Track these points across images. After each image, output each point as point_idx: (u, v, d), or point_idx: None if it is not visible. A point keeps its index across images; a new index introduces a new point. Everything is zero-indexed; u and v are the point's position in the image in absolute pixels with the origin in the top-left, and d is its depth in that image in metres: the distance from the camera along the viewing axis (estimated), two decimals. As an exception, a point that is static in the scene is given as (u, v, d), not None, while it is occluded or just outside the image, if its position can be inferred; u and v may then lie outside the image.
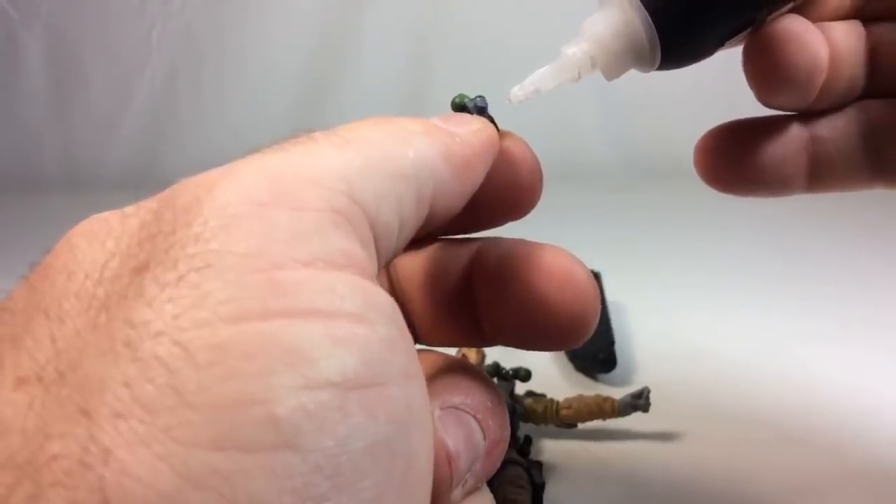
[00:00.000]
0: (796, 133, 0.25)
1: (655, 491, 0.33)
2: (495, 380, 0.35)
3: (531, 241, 0.20)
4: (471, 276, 0.20)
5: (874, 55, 0.24)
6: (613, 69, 0.21)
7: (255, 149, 0.15)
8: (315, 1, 1.02)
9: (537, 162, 0.20)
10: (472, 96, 0.20)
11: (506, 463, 0.30)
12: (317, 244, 0.13)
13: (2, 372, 0.12)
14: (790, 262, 0.62)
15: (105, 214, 0.15)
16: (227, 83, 1.05)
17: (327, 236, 0.13)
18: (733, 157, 0.25)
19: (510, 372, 0.36)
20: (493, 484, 0.29)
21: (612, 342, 0.44)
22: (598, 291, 0.19)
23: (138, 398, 0.11)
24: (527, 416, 0.35)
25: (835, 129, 0.25)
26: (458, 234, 0.22)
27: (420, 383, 0.14)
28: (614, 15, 0.20)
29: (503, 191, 0.20)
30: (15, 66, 1.04)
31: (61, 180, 1.01)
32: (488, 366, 0.36)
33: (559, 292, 0.19)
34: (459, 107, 0.20)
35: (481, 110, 0.20)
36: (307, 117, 1.01)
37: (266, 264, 0.12)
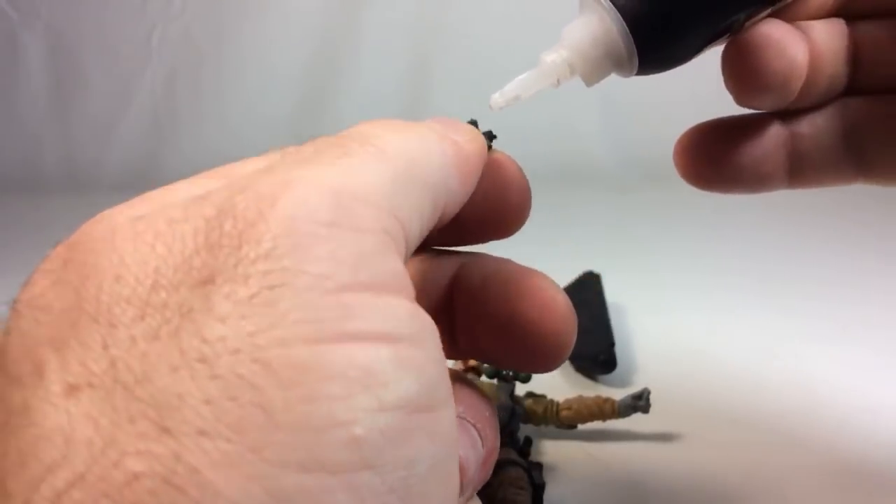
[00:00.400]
0: (775, 130, 0.25)
1: (656, 492, 0.33)
2: (495, 381, 0.35)
3: (516, 263, 0.20)
4: (452, 290, 0.21)
5: (856, 53, 0.24)
6: (592, 75, 0.21)
7: (292, 153, 0.15)
8: (314, 3, 1.02)
9: (527, 183, 0.20)
10: (471, 120, 0.20)
11: (506, 464, 0.30)
12: (377, 267, 0.13)
13: (45, 376, 0.12)
14: (790, 262, 0.62)
15: (137, 211, 0.14)
16: (226, 85, 1.05)
17: (384, 259, 0.14)
18: (712, 156, 0.25)
19: (510, 373, 0.36)
20: (493, 485, 0.29)
21: (612, 343, 0.44)
22: (576, 321, 0.19)
23: (222, 416, 0.11)
24: (527, 417, 0.35)
25: (815, 125, 0.25)
26: (439, 245, 0.22)
27: (453, 403, 0.15)
28: (593, 22, 0.20)
29: (492, 210, 0.20)
30: (15, 68, 1.04)
31: (61, 182, 1.01)
32: (489, 367, 0.36)
33: (540, 318, 0.19)
34: None
35: (490, 137, 0.20)
36: (306, 119, 1.02)
37: (336, 286, 0.13)
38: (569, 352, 0.19)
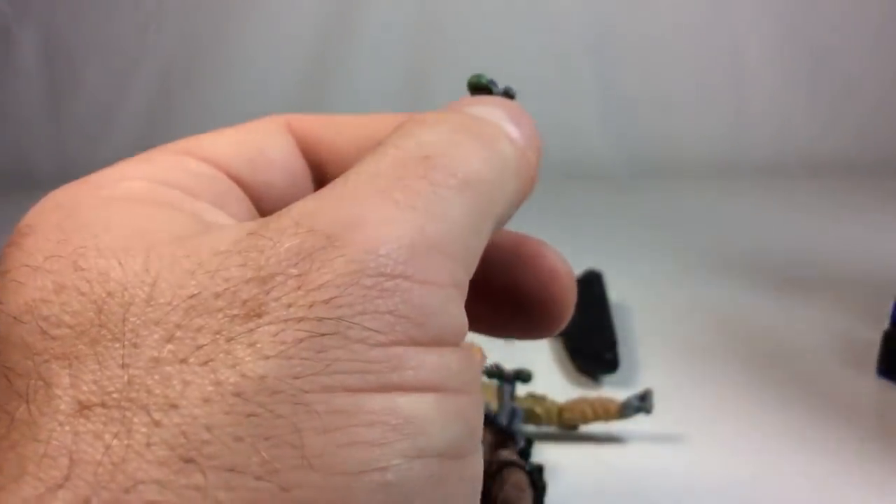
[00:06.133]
0: None
1: (657, 494, 0.33)
2: (495, 381, 0.34)
3: (515, 232, 0.20)
4: None
5: None
6: None
7: (370, 169, 0.14)
8: (312, 1, 1.02)
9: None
10: (488, 78, 0.18)
11: (507, 465, 0.29)
12: (439, 323, 0.13)
13: (54, 392, 0.11)
14: (791, 261, 0.62)
15: (162, 224, 0.14)
16: (222, 82, 1.05)
17: (447, 312, 0.13)
18: None
19: (511, 373, 0.35)
20: (494, 487, 0.28)
21: (614, 343, 0.44)
22: (576, 286, 0.19)
23: (254, 455, 0.11)
24: (528, 418, 0.34)
25: None
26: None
27: (481, 445, 0.15)
28: None
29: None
30: (8, 64, 1.04)
31: (55, 179, 0.99)
32: (489, 367, 0.35)
33: (546, 285, 0.19)
34: (478, 88, 0.18)
35: (510, 96, 0.18)
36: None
37: (390, 340, 0.13)
38: (569, 318, 0.19)
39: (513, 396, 0.34)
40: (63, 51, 1.04)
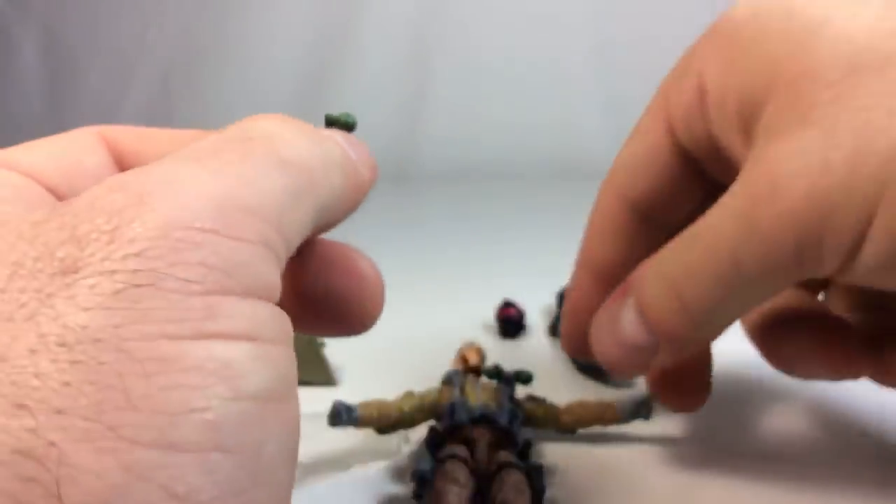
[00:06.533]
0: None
1: (656, 496, 0.33)
2: (495, 382, 0.35)
3: (326, 240, 0.22)
4: None
5: None
6: None
7: (195, 144, 0.16)
8: (313, 0, 1.02)
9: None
10: (339, 114, 0.21)
11: (506, 466, 0.29)
12: (248, 276, 0.14)
13: None
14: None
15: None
16: (222, 82, 1.05)
17: (258, 269, 0.15)
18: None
19: (511, 374, 0.35)
20: (493, 488, 0.28)
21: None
22: (383, 289, 0.22)
23: (81, 398, 0.12)
24: (527, 420, 0.34)
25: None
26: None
27: (298, 396, 0.16)
28: None
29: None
30: (8, 64, 1.04)
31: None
32: (488, 368, 0.35)
33: (359, 289, 0.22)
34: (331, 122, 0.21)
35: (350, 128, 0.21)
36: (304, 118, 1.01)
37: (203, 290, 0.14)
38: (377, 318, 0.22)
39: (512, 398, 0.34)
40: (63, 51, 1.04)
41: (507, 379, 0.35)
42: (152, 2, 1.03)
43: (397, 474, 0.32)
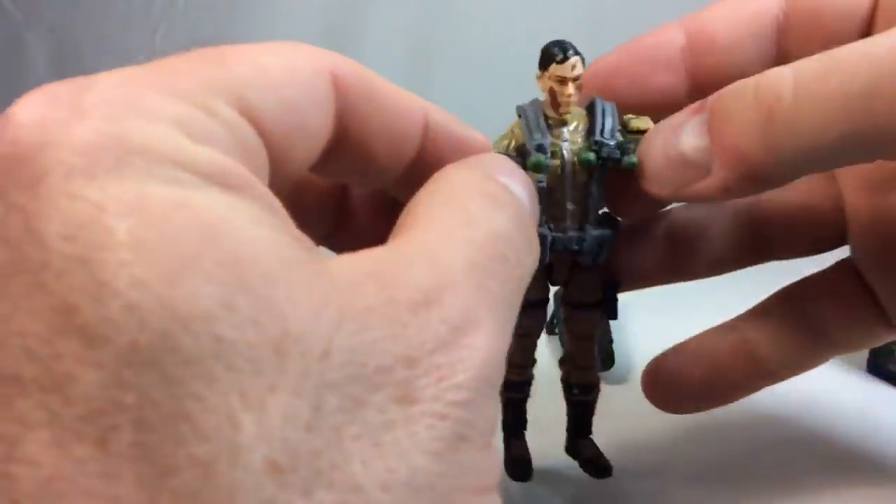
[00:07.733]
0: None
1: (653, 494, 0.33)
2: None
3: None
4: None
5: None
6: None
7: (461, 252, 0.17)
8: (319, 4, 1.02)
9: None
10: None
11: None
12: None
13: (239, 438, 0.12)
14: (791, 260, 0.62)
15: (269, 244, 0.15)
16: (229, 84, 1.05)
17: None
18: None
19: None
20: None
21: (610, 340, 0.44)
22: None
23: None
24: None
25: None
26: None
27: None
28: None
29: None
30: (19, 69, 1.05)
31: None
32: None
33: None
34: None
35: None
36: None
37: (484, 444, 0.15)
38: None
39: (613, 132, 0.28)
40: (73, 56, 1.05)
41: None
42: (160, 6, 1.03)
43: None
